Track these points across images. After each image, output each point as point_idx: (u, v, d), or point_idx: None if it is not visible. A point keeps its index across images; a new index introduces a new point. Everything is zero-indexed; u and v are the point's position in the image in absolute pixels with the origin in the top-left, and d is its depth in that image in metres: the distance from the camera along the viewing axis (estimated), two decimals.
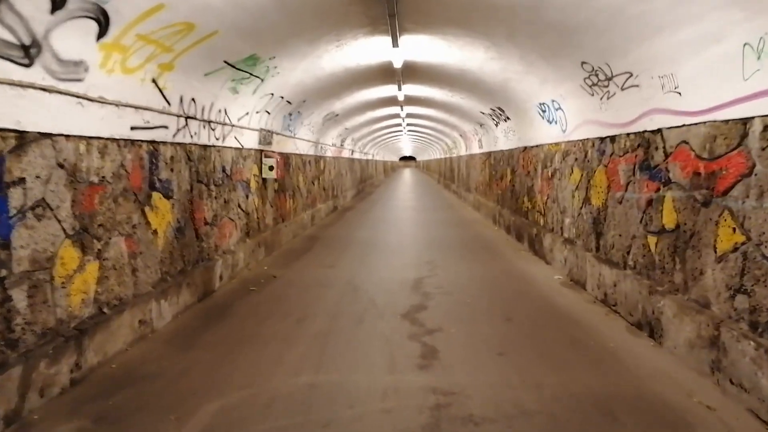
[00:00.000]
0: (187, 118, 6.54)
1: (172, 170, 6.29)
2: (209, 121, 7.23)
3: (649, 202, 5.55)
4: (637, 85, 5.64)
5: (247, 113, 8.67)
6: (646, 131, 5.62)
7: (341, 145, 20.74)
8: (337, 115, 14.96)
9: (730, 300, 4.12)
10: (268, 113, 9.74)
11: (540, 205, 9.95)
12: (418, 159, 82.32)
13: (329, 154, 18.25)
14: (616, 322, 5.97)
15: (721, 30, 4.06)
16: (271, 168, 10.01)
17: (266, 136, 9.94)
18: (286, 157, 11.93)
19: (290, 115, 11.25)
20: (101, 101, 4.69)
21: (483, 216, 16.58)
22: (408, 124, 25.88)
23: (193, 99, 6.58)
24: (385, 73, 10.78)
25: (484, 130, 15.59)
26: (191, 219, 6.79)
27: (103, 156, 4.83)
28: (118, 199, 5.11)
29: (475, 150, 18.68)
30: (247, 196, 9.08)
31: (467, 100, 12.92)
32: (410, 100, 15.58)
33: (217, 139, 7.62)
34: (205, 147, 7.24)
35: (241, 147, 8.69)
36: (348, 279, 8.09)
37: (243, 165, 8.88)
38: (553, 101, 8.43)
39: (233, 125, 8.18)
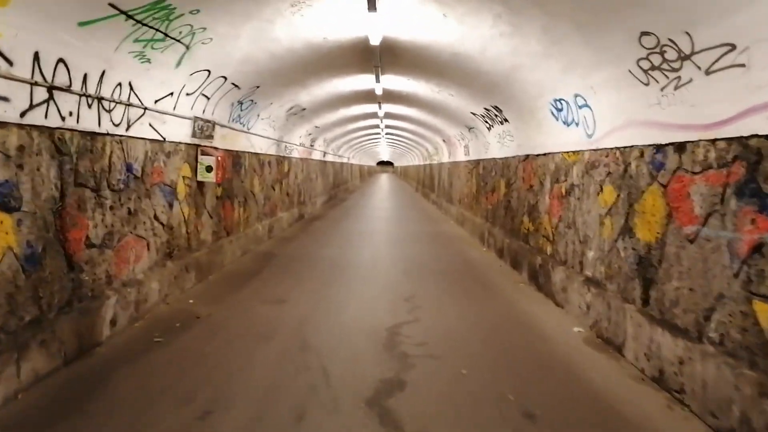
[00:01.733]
0: (53, 88, 4.32)
1: (20, 167, 4.06)
2: (99, 98, 5.01)
3: (757, 248, 3.56)
4: (743, 65, 3.65)
5: (171, 94, 6.46)
6: (753, 137, 3.64)
7: (311, 145, 18.56)
8: (303, 109, 12.79)
9: None
10: (207, 98, 7.54)
11: (547, 229, 7.96)
12: (395, 165, 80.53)
13: (296, 155, 16.06)
14: (689, 422, 3.96)
15: None
16: (209, 169, 7.80)
17: (204, 127, 7.73)
18: (235, 156, 9.71)
19: (240, 104, 9.05)
20: None
21: (468, 233, 14.58)
22: (387, 126, 23.83)
23: (62, 60, 4.36)
24: (360, 55, 8.67)
25: (472, 134, 13.61)
26: (60, 240, 4.56)
27: None
28: None
29: (461, 157, 16.71)
30: (170, 205, 6.85)
31: (457, 97, 10.90)
32: (390, 97, 13.50)
33: (116, 125, 5.39)
34: (92, 135, 5.01)
35: (161, 139, 6.47)
36: (297, 325, 5.92)
37: (165, 163, 6.66)
38: (576, 96, 6.45)
39: (147, 108, 5.96)
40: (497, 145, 11.31)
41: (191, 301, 6.76)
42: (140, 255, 6.02)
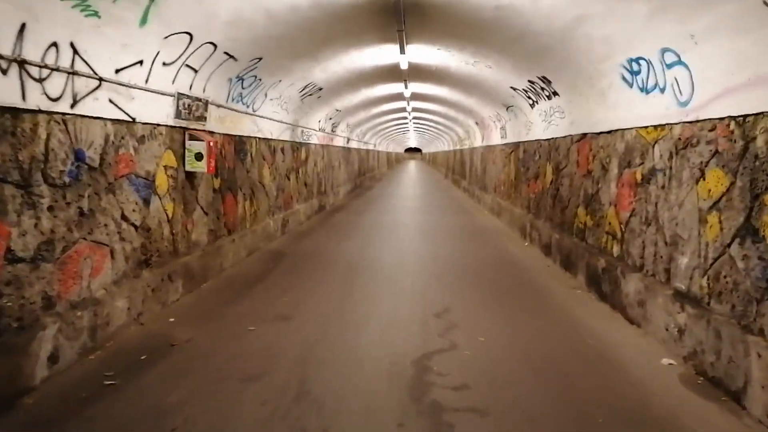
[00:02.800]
0: None
1: None
2: (21, 62, 3.70)
3: None
4: None
5: (141, 62, 5.13)
6: None
7: (332, 131, 17.19)
8: (320, 89, 11.41)
9: None
10: (193, 70, 6.20)
11: (613, 224, 6.40)
12: (424, 151, 78.72)
13: (315, 141, 14.71)
14: None
15: None
16: (198, 156, 6.49)
17: (192, 106, 6.41)
18: (238, 142, 8.39)
19: (240, 80, 7.71)
20: None
21: (506, 224, 13.02)
22: (414, 110, 22.27)
23: None
24: (381, 15, 7.18)
25: (511, 114, 12.01)
26: None
27: None
28: None
29: (496, 141, 15.10)
30: (146, 202, 5.56)
31: (496, 69, 9.33)
32: (417, 73, 11.98)
33: (53, 99, 4.08)
34: (14, 113, 3.72)
35: (129, 119, 5.16)
36: (299, 356, 4.58)
37: (136, 150, 5.35)
38: (664, 52, 4.87)
39: (104, 79, 4.64)
40: (542, 124, 9.72)
41: (172, 319, 5.49)
42: (99, 266, 4.75)
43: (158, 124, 5.76)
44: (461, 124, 21.27)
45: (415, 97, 17.03)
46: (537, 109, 9.83)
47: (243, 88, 8.01)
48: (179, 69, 5.87)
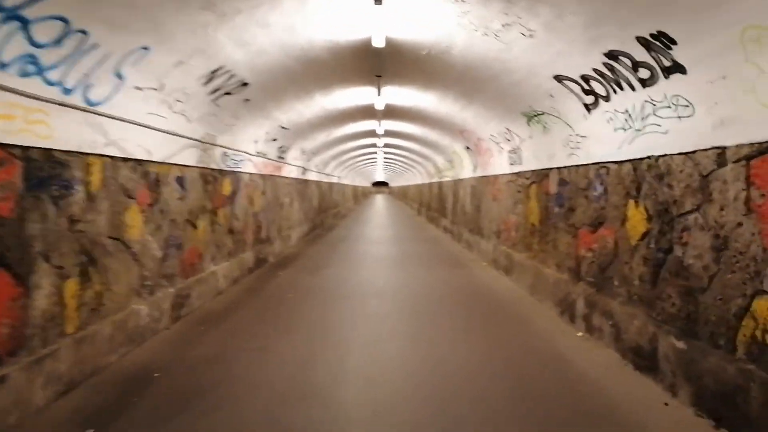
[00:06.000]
0: None
1: None
2: None
3: None
4: None
5: None
6: None
7: (279, 157, 12.95)
8: (244, 84, 7.22)
9: None
10: None
11: None
12: (391, 185, 75.12)
13: (249, 169, 10.43)
14: None
15: None
16: None
17: None
18: (35, 162, 4.05)
19: (22, 22, 3.44)
20: None
21: (525, 289, 8.87)
22: (386, 132, 18.26)
23: None
24: None
25: (536, 127, 8.06)
26: None
27: None
28: None
29: (499, 168, 11.12)
30: None
31: (544, 35, 5.35)
32: (396, 64, 7.95)
33: None
34: None
35: None
36: None
37: None
38: None
39: None
40: (613, 135, 5.71)
41: None
42: None
43: None
44: (442, 151, 17.34)
45: (389, 113, 13.00)
46: (601, 110, 5.85)
47: (36, 44, 3.73)
48: None
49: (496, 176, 11.57)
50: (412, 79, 8.91)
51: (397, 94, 10.39)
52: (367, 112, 12.56)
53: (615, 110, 5.61)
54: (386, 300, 8.11)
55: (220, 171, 8.60)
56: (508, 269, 10.25)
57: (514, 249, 9.99)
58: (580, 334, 6.37)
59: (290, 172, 14.84)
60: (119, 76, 4.84)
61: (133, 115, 5.37)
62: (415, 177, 35.60)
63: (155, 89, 5.53)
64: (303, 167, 16.86)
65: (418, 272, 10.73)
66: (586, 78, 5.70)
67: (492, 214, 11.94)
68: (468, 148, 13.52)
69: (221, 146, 8.39)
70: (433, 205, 24.96)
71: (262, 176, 11.61)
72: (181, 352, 5.55)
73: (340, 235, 18.90)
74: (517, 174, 9.79)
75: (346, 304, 7.80)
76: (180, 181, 6.89)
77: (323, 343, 5.89)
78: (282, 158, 13.35)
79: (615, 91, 5.44)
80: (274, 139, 11.63)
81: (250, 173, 10.56)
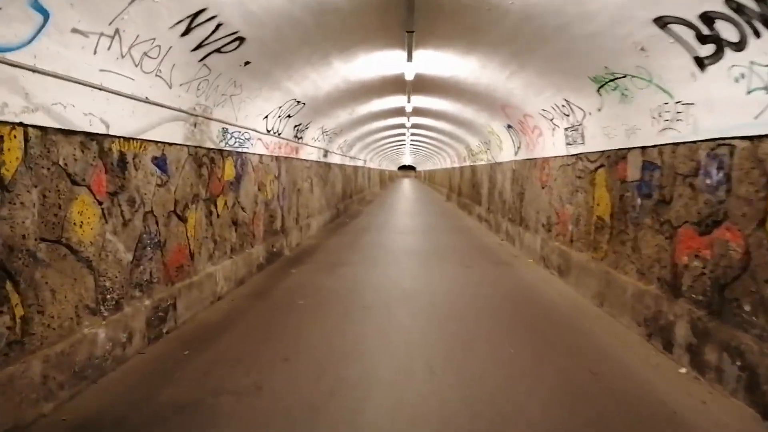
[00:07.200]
0: None
1: None
2: None
3: None
4: None
5: None
6: None
7: (296, 137, 11.45)
8: (240, 39, 5.68)
9: None
10: None
11: None
12: (418, 169, 73.23)
13: (259, 150, 8.95)
14: None
15: None
16: None
17: None
18: None
19: None
20: None
21: (589, 299, 7.20)
22: (414, 111, 16.55)
23: None
24: None
25: (612, 95, 6.34)
26: None
27: None
28: None
29: (550, 150, 9.41)
30: None
31: None
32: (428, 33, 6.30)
33: None
34: None
35: None
36: None
37: None
38: None
39: None
40: (750, 98, 4.00)
41: None
42: None
43: None
44: (477, 132, 15.58)
45: (420, 86, 11.32)
46: (726, 65, 4.13)
47: None
48: None
49: (545, 159, 9.84)
50: (450, 38, 7.25)
51: (430, 61, 8.73)
52: (396, 84, 10.92)
53: (752, 63, 3.90)
54: (416, 311, 6.56)
55: (219, 151, 7.14)
56: (562, 270, 8.58)
57: (571, 246, 8.31)
58: (683, 370, 4.73)
59: (309, 154, 13.35)
60: (40, 9, 3.35)
61: (76, 71, 3.89)
62: (444, 160, 33.81)
63: (108, 36, 4.04)
64: (324, 149, 15.35)
65: (454, 271, 9.14)
66: (709, 17, 3.99)
67: (540, 203, 10.24)
68: (510, 126, 11.78)
69: (219, 120, 6.91)
70: (464, 190, 23.22)
71: (276, 158, 10.14)
72: (151, 391, 4.13)
73: (364, 223, 17.39)
74: (577, 156, 8.08)
75: (367, 317, 6.29)
76: (159, 162, 5.43)
77: (336, 380, 4.39)
78: (299, 138, 11.85)
79: (757, 34, 3.73)
80: (289, 116, 10.12)
81: (261, 155, 9.08)
